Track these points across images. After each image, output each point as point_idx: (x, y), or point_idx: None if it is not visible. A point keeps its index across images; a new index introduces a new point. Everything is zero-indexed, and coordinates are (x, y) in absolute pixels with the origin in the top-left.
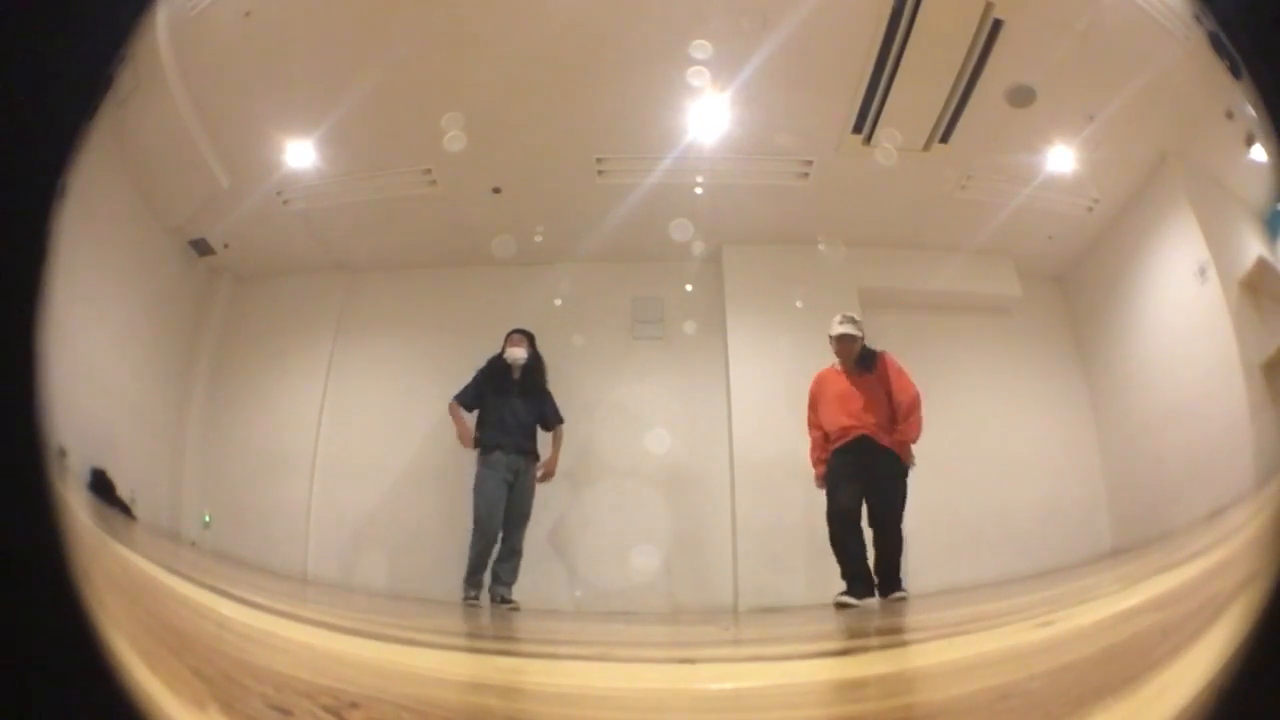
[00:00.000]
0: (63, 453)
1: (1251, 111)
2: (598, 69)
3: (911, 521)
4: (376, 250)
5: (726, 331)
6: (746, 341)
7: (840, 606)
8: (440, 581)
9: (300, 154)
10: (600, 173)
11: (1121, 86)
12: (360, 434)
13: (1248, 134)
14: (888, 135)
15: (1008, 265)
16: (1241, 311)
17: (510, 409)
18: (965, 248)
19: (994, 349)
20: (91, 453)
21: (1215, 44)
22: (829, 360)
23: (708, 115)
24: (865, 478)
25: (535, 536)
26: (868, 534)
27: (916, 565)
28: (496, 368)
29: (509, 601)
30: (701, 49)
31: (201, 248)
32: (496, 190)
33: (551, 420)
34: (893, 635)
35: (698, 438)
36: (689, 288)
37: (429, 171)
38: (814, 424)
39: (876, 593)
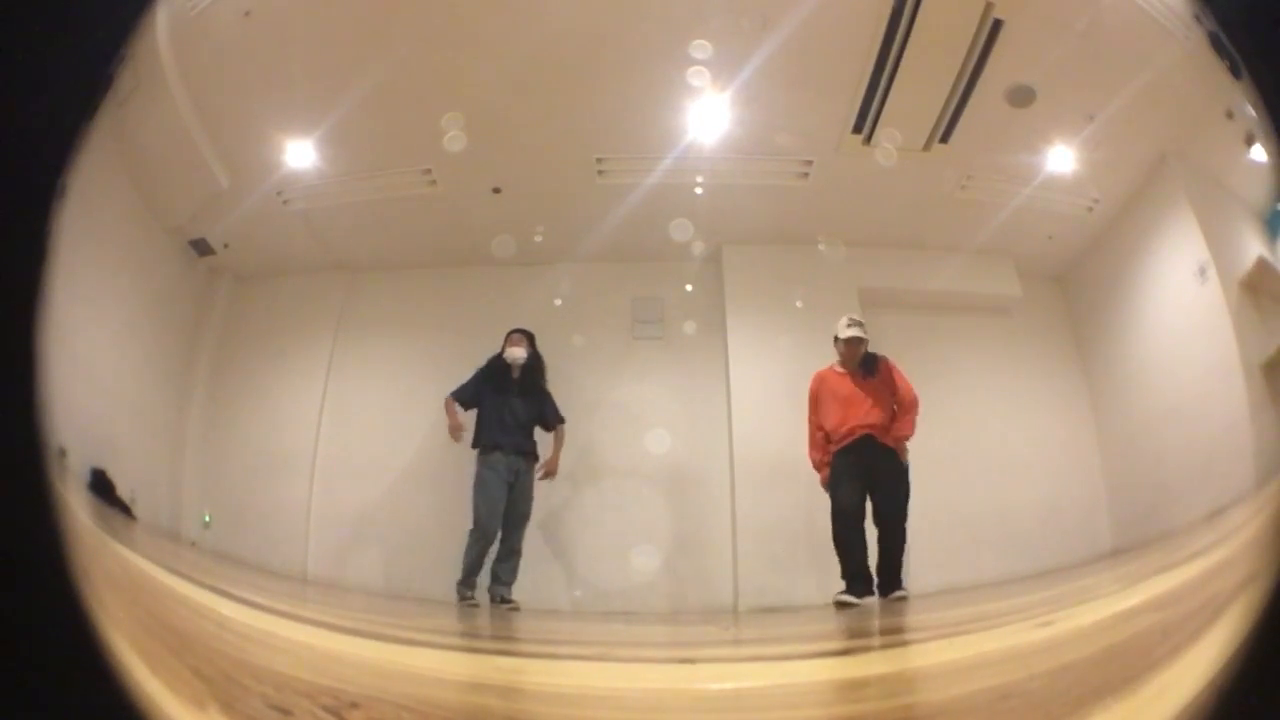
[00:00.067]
0: (63, 453)
1: (1251, 111)
2: (598, 69)
3: (912, 521)
4: (376, 250)
5: (726, 331)
6: (746, 341)
7: (840, 606)
8: (440, 581)
9: (300, 154)
10: (600, 173)
11: (1121, 86)
12: (360, 434)
13: (1248, 134)
14: (888, 135)
15: (1008, 265)
16: (1241, 311)
17: (510, 409)
18: (965, 248)
19: (994, 349)
20: (91, 453)
21: (1215, 44)
22: (829, 360)
23: (708, 115)
24: (869, 477)
25: (535, 536)
26: (869, 533)
27: (917, 565)
28: (496, 367)
29: (509, 601)
30: (701, 49)
31: (201, 248)
32: (496, 190)
33: (551, 420)
34: (893, 635)
35: (698, 438)
36: (689, 288)
37: (429, 171)
38: (815, 423)
39: (876, 592)
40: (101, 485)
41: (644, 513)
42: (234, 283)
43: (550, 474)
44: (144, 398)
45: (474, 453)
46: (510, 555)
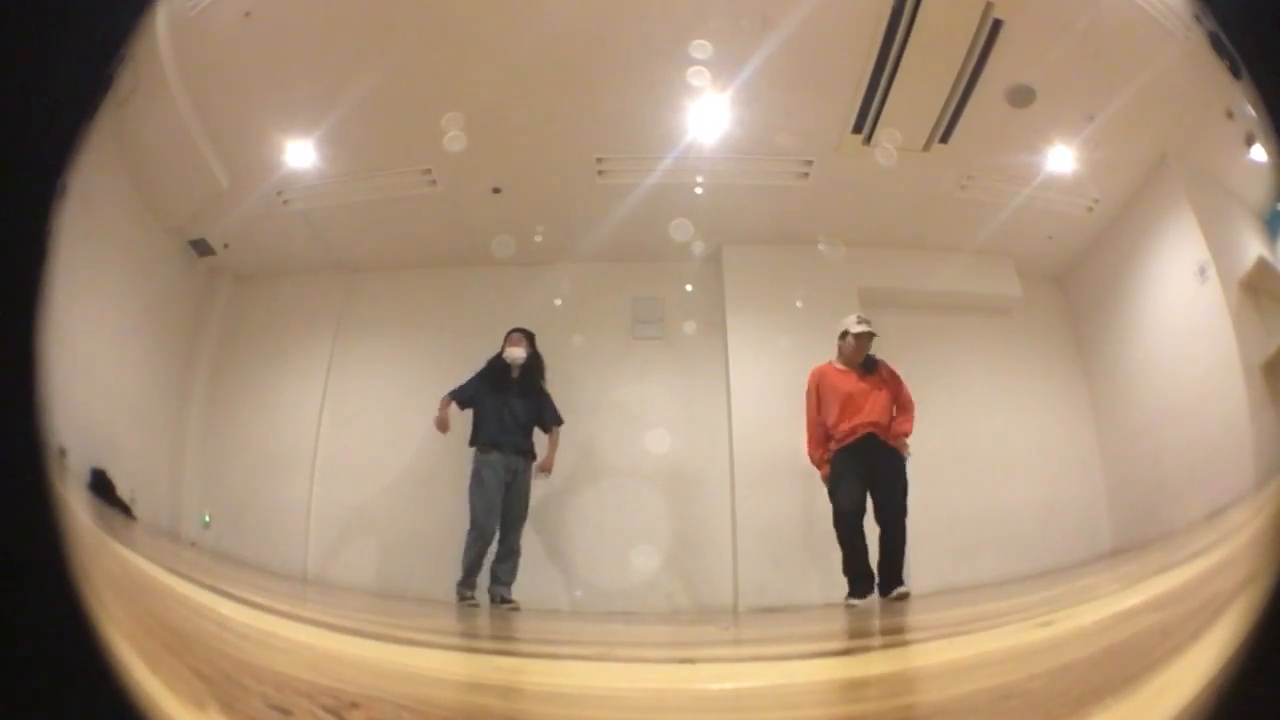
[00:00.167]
0: (63, 453)
1: (1251, 111)
2: (598, 69)
3: (912, 522)
4: (376, 250)
5: (726, 331)
6: (746, 341)
7: (851, 607)
8: (440, 581)
9: (300, 154)
10: (600, 173)
11: (1121, 86)
12: (360, 434)
13: (1248, 134)
14: (888, 135)
15: (1008, 265)
16: (1241, 311)
17: (509, 408)
18: (965, 248)
19: (994, 349)
20: (91, 453)
21: (1215, 44)
22: (829, 359)
23: (708, 115)
24: (869, 476)
25: (535, 537)
26: (870, 533)
27: (917, 565)
28: (496, 367)
29: (509, 601)
30: (701, 49)
31: (201, 248)
32: (496, 190)
33: (550, 422)
34: (893, 635)
35: (698, 438)
36: (689, 288)
37: (429, 171)
38: (815, 420)
39: (877, 590)
40: (101, 485)
41: (644, 513)
42: (234, 283)
43: (545, 471)
44: (144, 398)
45: (473, 453)
46: (509, 555)
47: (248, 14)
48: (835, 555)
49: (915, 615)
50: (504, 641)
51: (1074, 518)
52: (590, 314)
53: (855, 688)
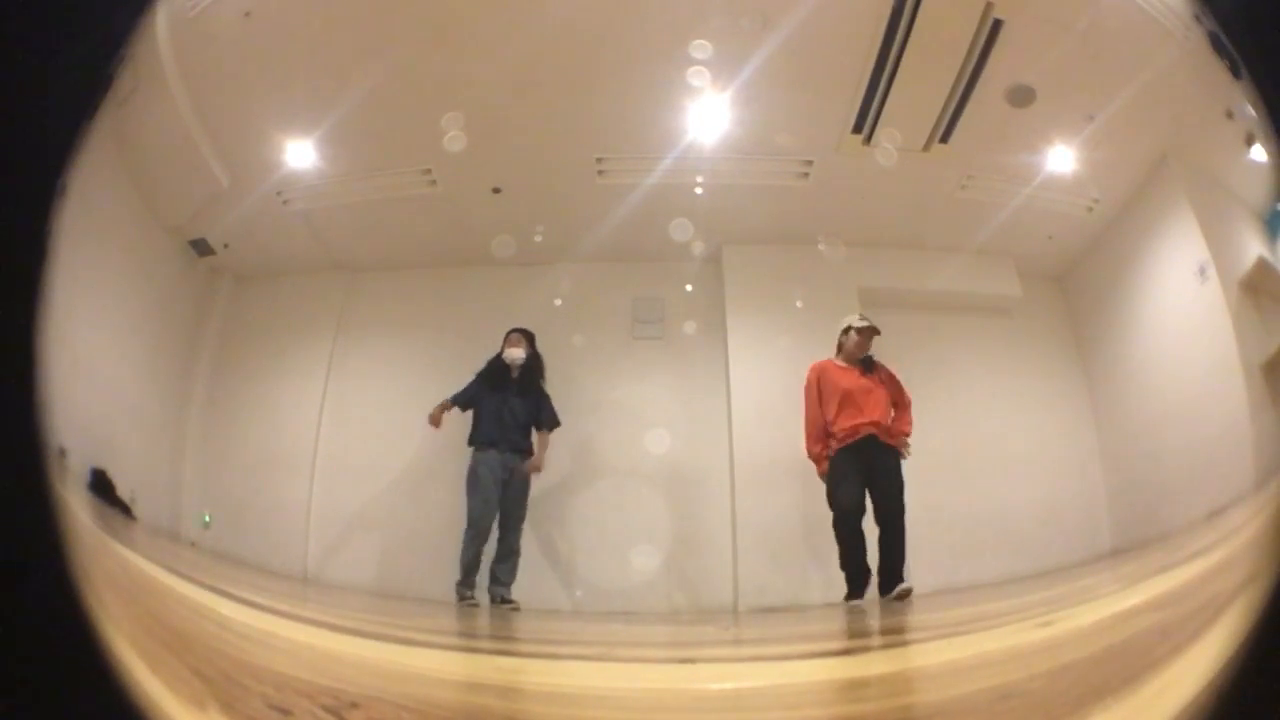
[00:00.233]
0: (63, 453)
1: (1251, 111)
2: (598, 69)
3: (912, 521)
4: (376, 250)
5: (726, 331)
6: (746, 341)
7: (854, 607)
8: (440, 581)
9: (300, 154)
10: (600, 173)
11: (1121, 86)
12: (360, 434)
13: (1248, 134)
14: (888, 135)
15: (1008, 265)
16: (1241, 311)
17: (508, 408)
18: (965, 248)
19: (994, 349)
20: (91, 453)
21: (1215, 44)
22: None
23: (708, 115)
24: (868, 475)
25: (534, 537)
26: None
27: (917, 565)
28: (495, 368)
29: (509, 601)
30: (701, 49)
31: (201, 248)
32: (496, 190)
33: (547, 423)
34: (893, 635)
35: (698, 437)
36: (689, 288)
37: (429, 171)
38: (815, 415)
39: (878, 589)
40: (101, 485)
41: (644, 512)
42: (234, 283)
43: (536, 470)
44: (144, 397)
45: (471, 451)
46: (509, 555)
47: (248, 14)
48: (835, 555)
49: (915, 615)
50: (504, 641)
51: (1074, 518)
52: (590, 314)
53: (855, 688)
